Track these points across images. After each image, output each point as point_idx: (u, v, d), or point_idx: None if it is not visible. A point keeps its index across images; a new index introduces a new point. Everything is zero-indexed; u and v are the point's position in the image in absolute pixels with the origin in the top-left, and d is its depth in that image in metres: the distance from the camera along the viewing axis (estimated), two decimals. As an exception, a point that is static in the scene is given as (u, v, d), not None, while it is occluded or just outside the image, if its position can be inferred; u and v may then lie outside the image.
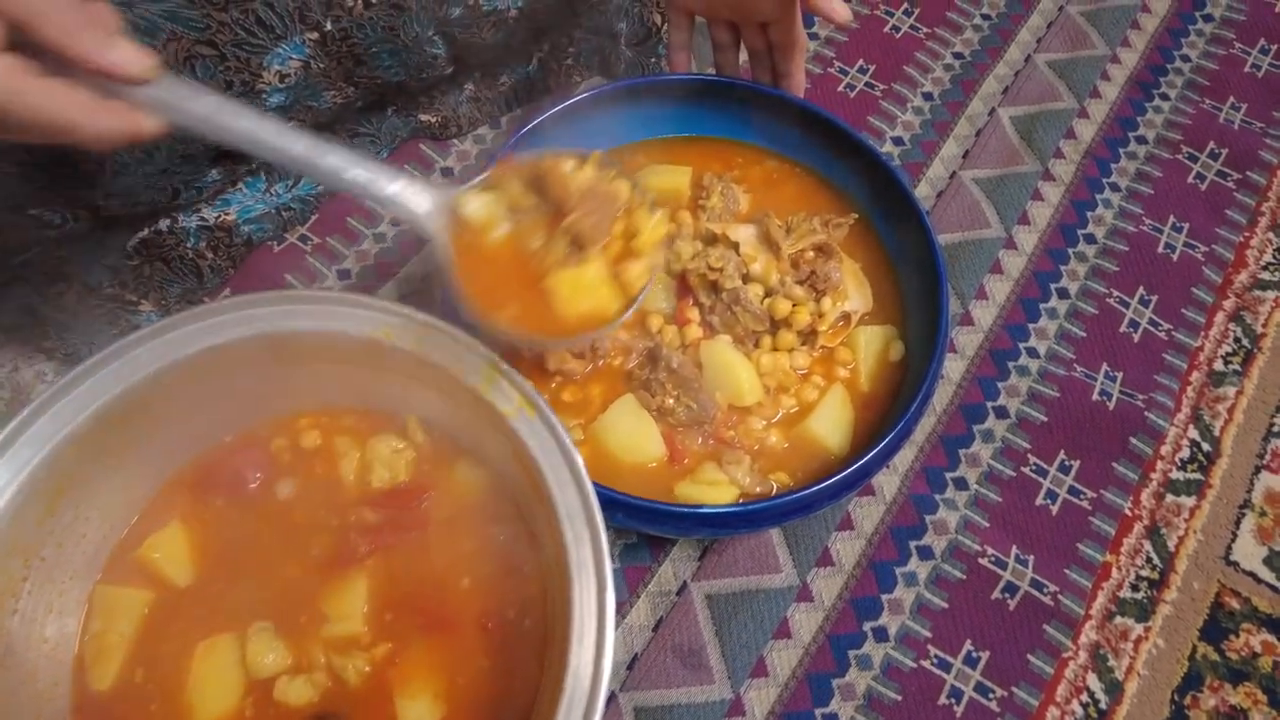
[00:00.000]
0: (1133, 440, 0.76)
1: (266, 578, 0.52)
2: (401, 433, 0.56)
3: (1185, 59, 1.00)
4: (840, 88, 0.95)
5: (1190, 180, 0.91)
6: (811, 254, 0.71)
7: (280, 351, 0.52)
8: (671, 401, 0.65)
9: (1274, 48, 1.01)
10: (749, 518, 0.60)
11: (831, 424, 0.67)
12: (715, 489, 0.64)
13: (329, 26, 0.67)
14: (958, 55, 0.98)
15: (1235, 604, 0.71)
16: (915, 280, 0.71)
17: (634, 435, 0.65)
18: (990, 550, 0.70)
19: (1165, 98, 0.97)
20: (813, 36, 0.96)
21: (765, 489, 0.64)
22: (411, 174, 0.57)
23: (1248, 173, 0.92)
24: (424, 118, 0.86)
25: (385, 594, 0.52)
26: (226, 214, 0.76)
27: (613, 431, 0.65)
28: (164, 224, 0.73)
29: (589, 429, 0.66)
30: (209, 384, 0.52)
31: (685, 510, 0.60)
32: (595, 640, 0.43)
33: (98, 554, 0.52)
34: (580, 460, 0.47)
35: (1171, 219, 0.89)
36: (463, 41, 0.76)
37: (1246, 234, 0.89)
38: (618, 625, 0.63)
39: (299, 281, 0.78)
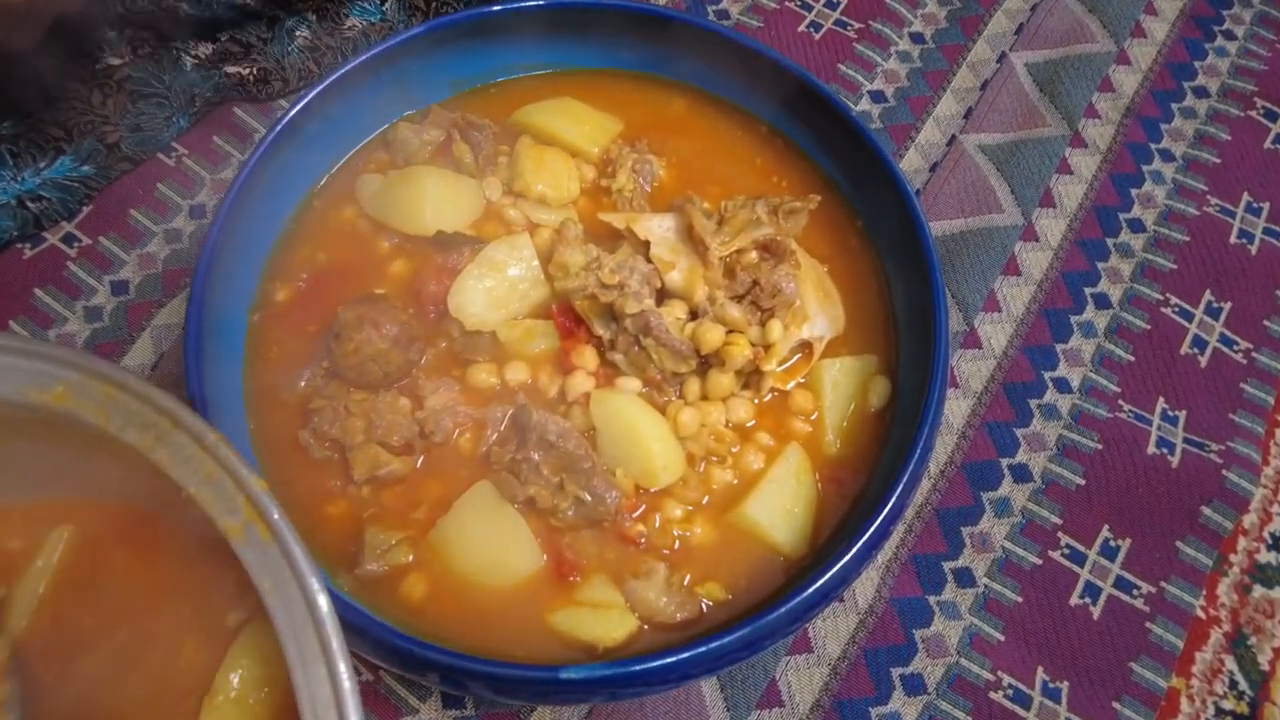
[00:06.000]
0: (1205, 510, 0.65)
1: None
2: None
3: (1254, -16, 0.90)
4: (802, 27, 0.84)
5: (1269, 145, 0.82)
6: (754, 255, 0.59)
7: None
8: (550, 493, 0.53)
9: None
10: (645, 678, 0.46)
11: (779, 510, 0.55)
12: (604, 617, 0.51)
13: None
14: (957, -16, 0.86)
15: (1357, 749, 0.59)
16: (904, 287, 0.61)
17: (492, 544, 0.52)
18: (1006, 679, 0.59)
19: (1230, 36, 0.88)
20: (767, -40, 0.89)
21: (690, 611, 0.51)
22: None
23: (1343, 133, 0.83)
24: (233, 70, 0.71)
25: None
26: (-53, 210, 0.65)
27: (459, 542, 0.51)
28: None
29: (423, 543, 0.52)
30: None
31: (536, 675, 0.45)
32: None
33: None
34: (328, 615, 0.35)
35: (1246, 197, 0.79)
36: None
37: (1346, 215, 0.80)
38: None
39: (52, 298, 0.64)
